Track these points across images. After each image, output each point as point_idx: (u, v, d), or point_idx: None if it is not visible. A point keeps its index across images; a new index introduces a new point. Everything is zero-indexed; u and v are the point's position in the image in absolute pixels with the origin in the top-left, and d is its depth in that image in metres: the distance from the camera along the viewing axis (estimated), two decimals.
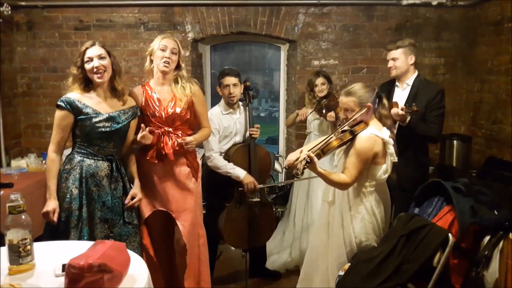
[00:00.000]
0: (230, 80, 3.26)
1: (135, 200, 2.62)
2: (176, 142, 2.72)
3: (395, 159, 2.49)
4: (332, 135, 2.47)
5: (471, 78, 4.41)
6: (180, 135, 2.76)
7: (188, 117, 2.81)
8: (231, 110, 3.35)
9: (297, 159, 2.32)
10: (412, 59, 3.19)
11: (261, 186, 3.32)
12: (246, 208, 3.36)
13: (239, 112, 3.40)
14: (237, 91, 3.29)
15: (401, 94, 3.23)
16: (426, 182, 2.75)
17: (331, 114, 3.47)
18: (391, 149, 2.46)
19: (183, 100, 2.76)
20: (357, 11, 4.38)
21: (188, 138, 2.72)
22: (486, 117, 4.12)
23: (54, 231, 2.44)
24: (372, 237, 2.53)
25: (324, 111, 3.58)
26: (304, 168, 2.24)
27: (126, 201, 2.60)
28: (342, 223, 2.55)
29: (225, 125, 3.30)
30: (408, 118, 2.98)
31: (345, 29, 4.41)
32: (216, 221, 3.36)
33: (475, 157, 4.19)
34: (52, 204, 2.41)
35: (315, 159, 2.28)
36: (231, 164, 3.25)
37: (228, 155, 3.31)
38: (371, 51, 4.43)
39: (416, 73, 3.24)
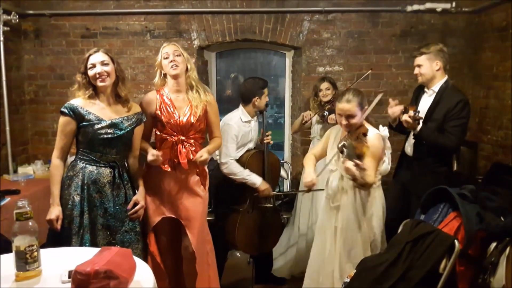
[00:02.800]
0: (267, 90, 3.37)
1: (137, 207, 2.62)
2: (190, 151, 2.74)
3: (390, 150, 2.74)
4: (345, 143, 2.47)
5: (476, 84, 4.40)
6: (193, 143, 2.78)
7: (202, 126, 2.83)
8: (250, 118, 3.38)
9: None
10: (437, 65, 3.08)
11: (275, 193, 3.35)
12: (258, 214, 3.40)
13: (254, 120, 3.44)
14: None
15: (426, 100, 3.18)
16: (432, 189, 2.74)
17: (332, 116, 3.49)
18: (388, 143, 2.72)
19: (199, 107, 2.77)
20: (361, 17, 4.39)
21: (204, 156, 2.72)
22: (492, 123, 4.10)
23: (57, 238, 2.45)
24: (379, 230, 2.69)
25: (326, 114, 3.59)
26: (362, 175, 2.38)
27: (128, 207, 2.60)
28: (359, 224, 2.64)
29: (243, 133, 3.32)
30: (419, 127, 2.94)
31: (350, 36, 4.42)
32: (228, 225, 3.37)
33: (481, 163, 4.17)
34: (55, 212, 2.44)
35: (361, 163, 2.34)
36: (247, 170, 3.26)
37: (242, 162, 3.32)
38: (376, 58, 4.43)
39: (444, 79, 3.13)
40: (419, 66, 3.13)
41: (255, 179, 3.26)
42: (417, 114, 2.92)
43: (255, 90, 3.33)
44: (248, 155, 3.33)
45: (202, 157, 2.71)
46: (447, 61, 3.17)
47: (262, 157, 3.37)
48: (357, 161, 2.29)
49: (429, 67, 3.09)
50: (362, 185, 2.48)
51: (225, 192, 3.37)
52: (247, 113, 3.36)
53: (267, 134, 3.38)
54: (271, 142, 3.40)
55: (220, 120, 3.22)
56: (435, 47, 3.11)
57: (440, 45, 3.15)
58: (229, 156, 3.22)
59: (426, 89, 3.22)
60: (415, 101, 3.27)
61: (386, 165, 2.67)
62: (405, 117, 2.95)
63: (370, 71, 2.92)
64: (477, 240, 2.41)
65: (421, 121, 2.97)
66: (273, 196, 3.41)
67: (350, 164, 2.32)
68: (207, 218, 3.04)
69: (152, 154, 2.64)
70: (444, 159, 3.18)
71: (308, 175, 2.73)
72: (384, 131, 2.68)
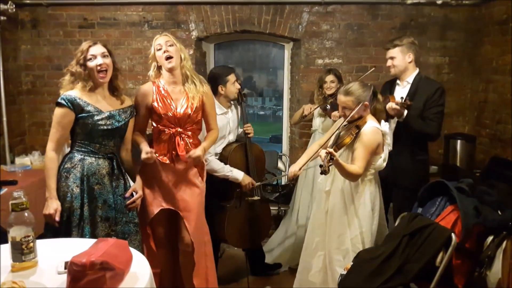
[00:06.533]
0: (236, 76, 3.31)
1: (135, 196, 2.61)
2: (188, 143, 2.73)
3: (391, 148, 2.71)
4: (339, 131, 2.61)
5: (476, 77, 4.39)
6: (190, 135, 2.76)
7: (199, 118, 2.81)
8: (225, 110, 3.32)
9: (322, 160, 2.38)
10: (410, 57, 3.17)
11: (259, 183, 3.31)
12: (246, 208, 3.37)
13: (231, 111, 3.39)
14: None
15: (401, 92, 3.22)
16: (430, 182, 2.75)
17: (335, 113, 3.46)
18: (388, 139, 2.68)
19: (195, 98, 2.74)
20: (361, 10, 4.37)
21: (197, 152, 2.68)
22: (490, 117, 4.10)
23: (56, 230, 2.41)
24: (368, 222, 2.65)
25: (328, 108, 3.58)
26: (330, 165, 2.35)
27: (127, 194, 2.58)
28: (346, 211, 2.65)
29: (220, 125, 3.23)
30: (405, 113, 2.98)
31: (349, 28, 4.40)
32: (217, 221, 3.36)
33: (479, 157, 4.17)
34: (54, 205, 2.38)
35: (335, 153, 2.38)
36: (228, 166, 3.23)
37: (224, 156, 3.29)
38: (375, 50, 4.41)
39: (416, 71, 3.22)
40: (392, 58, 3.20)
41: (237, 174, 3.23)
42: (406, 100, 2.96)
43: (217, 78, 3.29)
44: (231, 149, 3.29)
45: (195, 154, 2.67)
46: (419, 54, 3.29)
47: (245, 151, 3.34)
48: (330, 150, 2.34)
49: (402, 59, 3.17)
50: (347, 175, 2.54)
51: (212, 189, 3.32)
52: (220, 104, 3.30)
53: (246, 126, 3.34)
54: (251, 134, 3.35)
55: None
56: (408, 40, 3.19)
57: (411, 39, 3.24)
58: (208, 153, 3.14)
59: (399, 82, 3.28)
60: (388, 94, 3.30)
61: (382, 161, 2.66)
62: (390, 105, 2.97)
63: (373, 68, 3.14)
64: (474, 234, 2.41)
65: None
66: (260, 187, 3.36)
67: (323, 151, 2.38)
68: None
69: (146, 152, 2.60)
70: (424, 147, 3.26)
71: (293, 166, 2.84)
72: (384, 126, 2.68)
